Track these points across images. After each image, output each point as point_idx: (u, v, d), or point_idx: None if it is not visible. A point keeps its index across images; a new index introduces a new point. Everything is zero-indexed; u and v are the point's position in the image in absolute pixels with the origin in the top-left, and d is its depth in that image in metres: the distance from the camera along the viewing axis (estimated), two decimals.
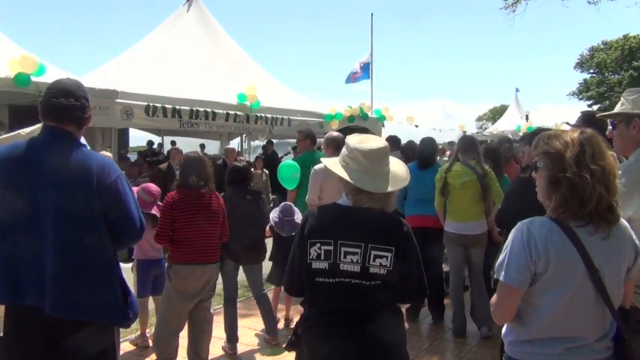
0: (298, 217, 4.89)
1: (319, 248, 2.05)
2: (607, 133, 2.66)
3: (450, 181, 4.78)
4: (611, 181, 1.74)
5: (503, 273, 1.78)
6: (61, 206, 2.16)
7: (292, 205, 5.05)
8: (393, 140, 7.40)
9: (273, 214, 4.85)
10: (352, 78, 15.10)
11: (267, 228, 4.84)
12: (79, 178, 2.19)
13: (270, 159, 12.59)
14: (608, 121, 2.68)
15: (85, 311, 2.19)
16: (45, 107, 2.29)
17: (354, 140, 2.17)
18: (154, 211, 4.46)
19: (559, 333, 1.78)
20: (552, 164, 1.79)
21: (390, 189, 2.10)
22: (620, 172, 2.22)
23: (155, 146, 15.06)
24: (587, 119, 3.69)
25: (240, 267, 4.65)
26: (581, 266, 1.72)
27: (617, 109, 2.53)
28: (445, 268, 5.60)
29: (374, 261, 2.01)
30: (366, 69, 15.14)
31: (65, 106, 2.27)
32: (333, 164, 2.22)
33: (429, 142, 5.68)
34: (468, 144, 5.02)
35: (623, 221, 1.82)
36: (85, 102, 2.33)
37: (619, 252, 1.78)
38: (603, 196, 1.71)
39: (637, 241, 1.83)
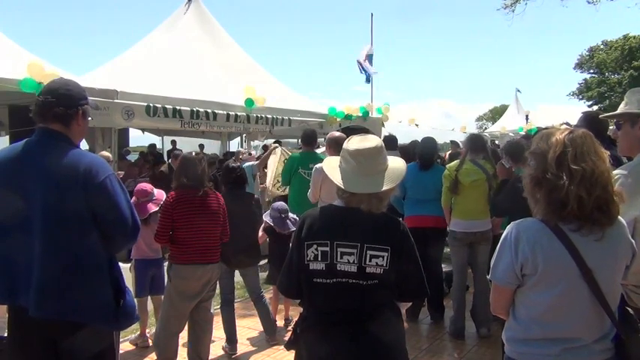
0: (292, 214, 4.93)
1: (316, 249, 2.06)
2: (612, 133, 2.64)
3: (461, 179, 4.76)
4: (595, 183, 1.71)
5: (492, 272, 1.86)
6: (48, 207, 2.14)
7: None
8: (390, 140, 7.37)
9: (267, 218, 4.86)
10: (368, 72, 14.66)
11: (262, 231, 4.84)
12: (66, 179, 2.16)
13: None
14: (612, 121, 2.66)
15: (69, 313, 2.16)
16: (33, 108, 2.30)
17: (348, 140, 2.19)
18: (152, 205, 4.48)
19: (555, 334, 1.78)
20: (537, 164, 1.81)
21: (371, 190, 2.07)
22: (625, 172, 2.21)
23: (159, 147, 15.08)
24: (588, 119, 3.68)
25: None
26: (574, 267, 1.72)
27: (621, 109, 2.49)
28: (445, 268, 5.60)
29: (370, 261, 2.02)
30: (369, 59, 14.79)
31: (42, 103, 2.25)
32: (329, 165, 2.25)
33: (429, 142, 5.64)
34: (477, 143, 5.01)
35: (620, 220, 1.81)
36: (62, 99, 2.25)
37: (614, 253, 1.77)
38: (583, 198, 1.69)
39: (632, 240, 1.83)
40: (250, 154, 9.31)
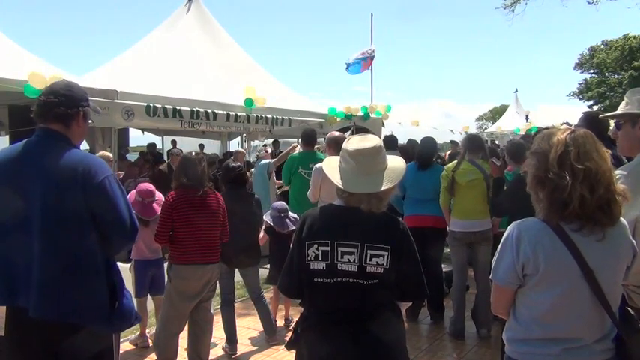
0: (292, 214, 4.93)
1: (317, 249, 2.07)
2: (612, 133, 2.63)
3: (458, 179, 4.76)
4: (597, 182, 1.71)
5: (493, 272, 1.86)
6: (47, 207, 2.14)
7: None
8: (390, 140, 7.38)
9: (267, 218, 4.86)
10: (363, 67, 14.56)
11: (262, 232, 4.84)
12: (65, 179, 2.16)
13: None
14: (612, 121, 2.65)
15: (69, 314, 2.16)
16: (34, 108, 2.30)
17: (348, 140, 2.20)
18: (157, 206, 4.47)
19: (556, 334, 1.78)
20: (538, 164, 1.81)
21: (370, 190, 2.08)
22: (625, 172, 2.21)
23: (159, 147, 15.07)
24: (588, 120, 3.68)
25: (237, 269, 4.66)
26: (575, 267, 1.72)
27: (622, 109, 2.47)
28: (445, 268, 5.60)
29: (371, 260, 2.02)
30: (369, 59, 14.73)
31: (44, 103, 2.26)
32: (329, 165, 2.25)
33: (428, 142, 5.64)
34: (475, 143, 5.02)
35: (622, 220, 1.80)
36: (63, 99, 2.26)
37: (616, 253, 1.77)
38: (585, 197, 1.69)
39: (633, 241, 1.83)
40: (267, 151, 9.34)
